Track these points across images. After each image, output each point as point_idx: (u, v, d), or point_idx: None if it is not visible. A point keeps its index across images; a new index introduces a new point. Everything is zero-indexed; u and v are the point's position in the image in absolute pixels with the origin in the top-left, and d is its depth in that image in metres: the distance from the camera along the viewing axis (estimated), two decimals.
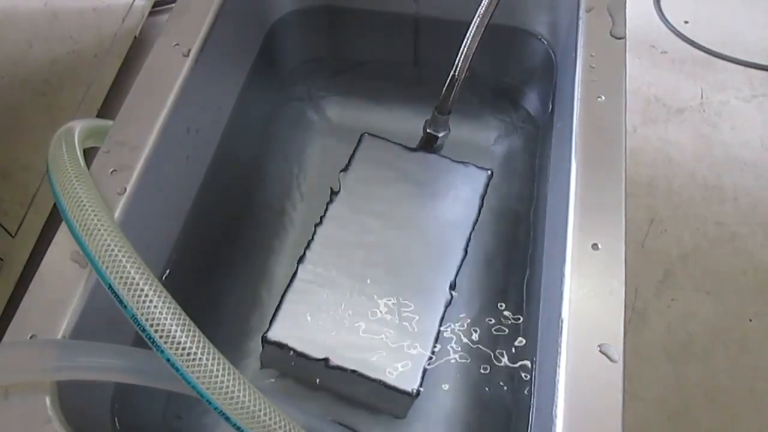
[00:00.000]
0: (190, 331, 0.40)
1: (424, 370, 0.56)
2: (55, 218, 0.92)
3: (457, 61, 0.61)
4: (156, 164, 0.52)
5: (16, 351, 0.42)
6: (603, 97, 0.54)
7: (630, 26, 0.59)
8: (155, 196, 0.55)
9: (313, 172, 0.76)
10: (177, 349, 0.39)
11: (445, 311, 0.59)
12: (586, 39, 0.58)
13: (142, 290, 0.40)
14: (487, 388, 0.62)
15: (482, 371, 0.63)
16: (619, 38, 0.58)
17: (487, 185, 0.67)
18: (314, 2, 0.76)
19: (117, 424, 0.51)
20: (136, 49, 1.11)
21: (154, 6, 1.18)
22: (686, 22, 1.21)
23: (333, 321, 0.58)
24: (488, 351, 0.63)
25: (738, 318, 0.88)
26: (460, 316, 0.65)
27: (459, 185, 0.67)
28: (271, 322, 0.57)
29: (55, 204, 0.46)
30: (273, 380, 0.63)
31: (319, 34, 0.80)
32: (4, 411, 0.41)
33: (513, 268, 0.68)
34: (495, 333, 0.64)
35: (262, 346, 0.58)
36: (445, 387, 0.62)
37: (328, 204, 0.65)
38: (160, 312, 0.39)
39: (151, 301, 0.40)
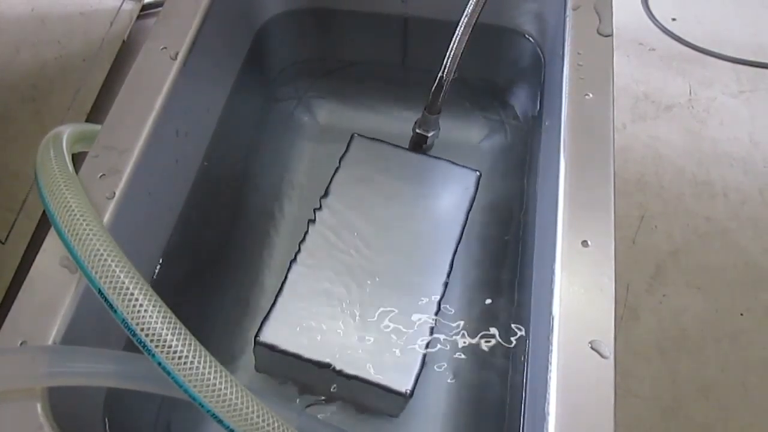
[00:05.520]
0: (181, 334, 0.40)
1: (418, 370, 0.56)
2: (45, 224, 0.91)
3: (445, 61, 0.61)
4: (145, 168, 0.52)
5: (6, 358, 0.42)
6: (591, 95, 0.55)
7: (617, 24, 0.59)
8: (144, 200, 0.55)
9: (304, 174, 0.76)
10: (168, 352, 0.39)
11: (437, 311, 0.60)
12: (573, 37, 0.58)
13: (132, 294, 0.40)
14: (479, 386, 0.62)
15: (474, 369, 0.63)
16: (607, 36, 0.58)
17: (476, 186, 0.67)
18: (302, 4, 0.76)
19: (109, 430, 0.51)
20: (125, 54, 1.11)
21: (142, 10, 1.18)
22: (674, 19, 1.22)
23: (325, 322, 0.58)
24: (480, 349, 0.63)
25: (729, 313, 0.89)
26: (452, 315, 0.65)
27: (449, 185, 0.67)
28: (262, 324, 0.57)
29: (45, 210, 0.46)
30: (266, 382, 0.63)
31: (307, 35, 0.80)
32: None
33: (504, 267, 0.68)
34: (487, 331, 0.64)
35: (254, 349, 0.58)
36: (439, 385, 0.62)
37: (319, 205, 0.65)
38: (150, 316, 0.39)
39: (141, 305, 0.40)
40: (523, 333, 0.61)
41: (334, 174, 0.67)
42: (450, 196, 0.66)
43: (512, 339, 0.63)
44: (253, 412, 0.40)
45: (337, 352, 0.57)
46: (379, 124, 0.79)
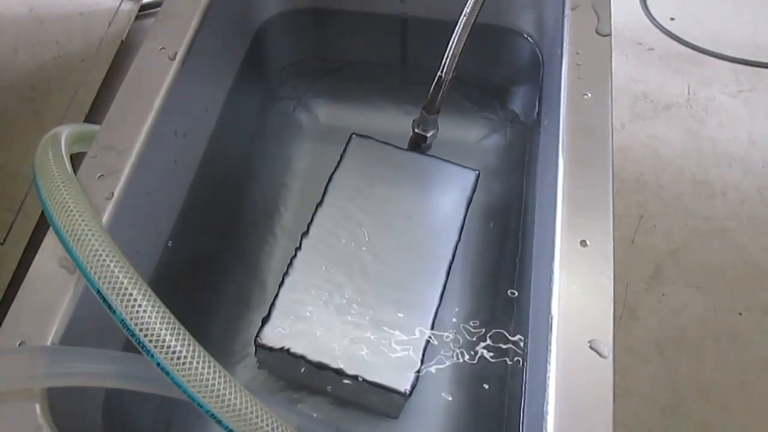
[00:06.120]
0: (180, 334, 0.40)
1: (417, 370, 0.56)
2: (44, 225, 0.91)
3: (444, 61, 0.61)
4: (144, 168, 0.52)
5: (5, 358, 0.42)
6: (589, 95, 0.55)
7: (616, 23, 0.59)
8: (143, 200, 0.55)
9: (302, 173, 0.76)
10: (167, 353, 0.39)
11: (436, 310, 0.60)
12: (571, 37, 0.58)
13: (131, 295, 0.40)
14: (479, 386, 0.62)
15: (474, 369, 0.63)
16: (605, 35, 0.58)
17: (475, 185, 0.67)
18: (301, 4, 0.76)
19: (108, 431, 0.51)
20: (124, 54, 1.11)
21: (140, 10, 1.17)
22: (672, 19, 1.22)
23: (325, 322, 0.58)
24: (479, 349, 0.63)
25: (728, 312, 0.89)
26: (451, 314, 0.65)
27: (448, 185, 0.67)
28: (262, 324, 0.57)
29: (43, 210, 0.46)
30: (265, 382, 0.63)
31: (306, 35, 0.80)
32: None
33: (503, 267, 0.68)
34: (486, 331, 0.64)
35: (255, 349, 0.58)
36: (438, 386, 0.63)
37: (317, 205, 0.65)
38: (149, 316, 0.39)
39: (140, 306, 0.40)
40: (521, 332, 0.61)
41: (333, 174, 0.67)
42: (449, 196, 0.66)
43: (511, 338, 0.63)
44: (252, 412, 0.40)
45: (337, 351, 0.57)
46: (377, 124, 0.79)
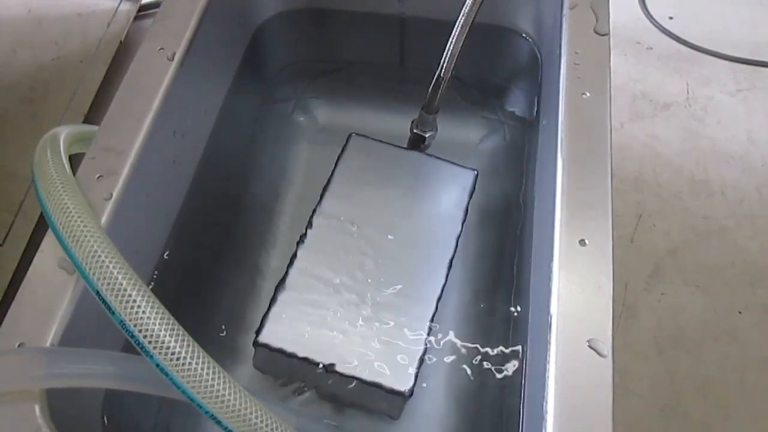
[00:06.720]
0: (179, 335, 0.40)
1: (417, 370, 0.56)
2: (42, 226, 0.91)
3: (442, 61, 0.61)
4: (143, 169, 0.52)
5: (4, 359, 0.42)
6: (588, 94, 0.55)
7: (614, 23, 0.59)
8: (142, 201, 0.54)
9: (301, 173, 0.76)
10: (166, 354, 0.39)
11: (435, 311, 0.60)
12: (570, 36, 0.58)
13: (130, 296, 0.40)
14: (478, 386, 0.62)
15: (474, 369, 0.63)
16: (604, 35, 0.59)
17: (474, 185, 0.67)
18: (299, 4, 0.76)
19: None
20: (122, 54, 1.11)
21: (139, 10, 1.17)
22: (671, 18, 1.22)
23: (324, 322, 0.58)
24: (479, 349, 0.63)
25: (727, 311, 0.89)
26: (451, 315, 0.65)
27: (447, 185, 0.67)
28: (261, 324, 0.57)
29: (42, 211, 0.46)
30: (264, 382, 0.63)
31: (304, 35, 0.80)
32: None
33: (502, 266, 0.68)
34: (486, 331, 0.64)
35: (254, 350, 0.58)
36: (438, 386, 0.63)
37: (316, 205, 0.65)
38: (148, 317, 0.39)
39: (139, 307, 0.40)
40: (521, 332, 0.61)
41: (332, 174, 0.67)
42: (448, 196, 0.66)
43: (510, 338, 0.63)
44: (251, 413, 0.40)
45: (336, 352, 0.57)
46: (376, 124, 0.78)
